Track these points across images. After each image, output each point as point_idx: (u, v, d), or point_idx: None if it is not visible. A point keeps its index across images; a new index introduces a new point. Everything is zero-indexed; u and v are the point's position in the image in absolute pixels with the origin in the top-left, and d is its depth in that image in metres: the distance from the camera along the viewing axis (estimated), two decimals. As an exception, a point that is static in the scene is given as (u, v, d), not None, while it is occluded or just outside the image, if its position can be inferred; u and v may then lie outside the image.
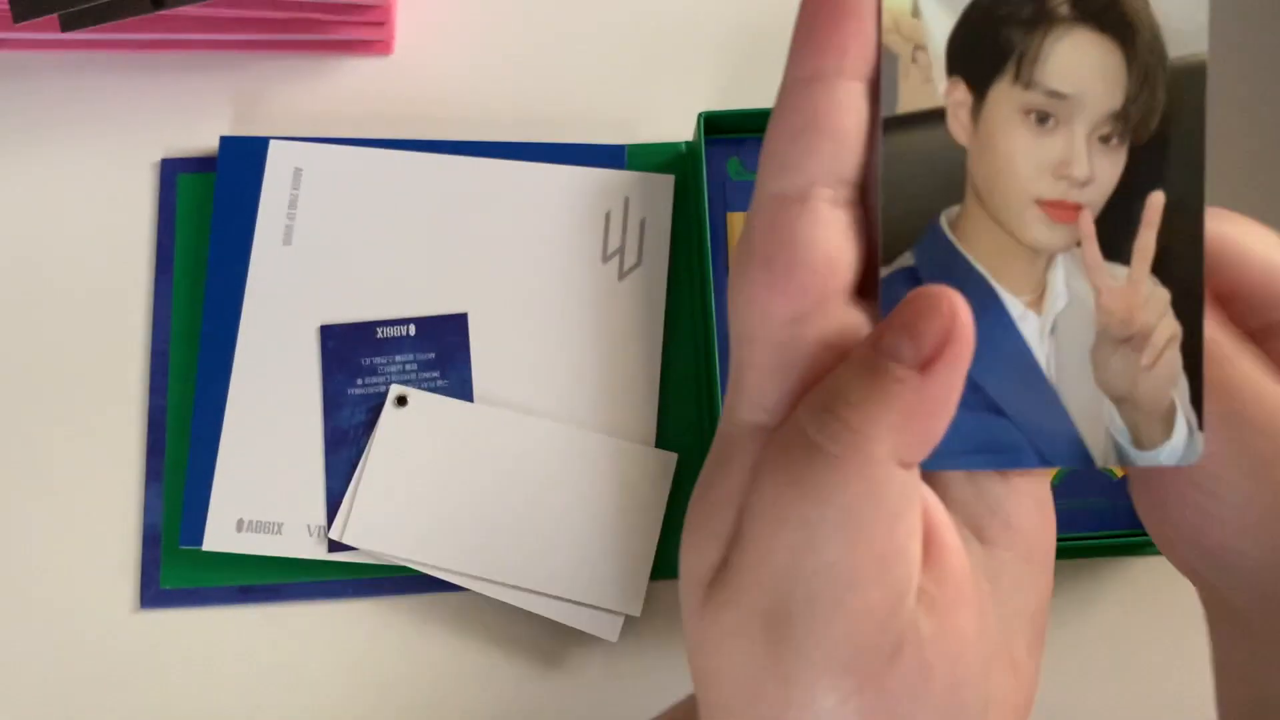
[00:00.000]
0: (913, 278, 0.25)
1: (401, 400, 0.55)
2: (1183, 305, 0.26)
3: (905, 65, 0.25)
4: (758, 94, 0.61)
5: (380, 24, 0.60)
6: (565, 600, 0.53)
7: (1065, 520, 0.53)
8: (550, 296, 0.57)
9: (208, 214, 0.58)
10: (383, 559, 0.54)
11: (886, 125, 0.25)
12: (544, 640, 0.54)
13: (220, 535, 0.54)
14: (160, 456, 0.55)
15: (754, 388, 0.25)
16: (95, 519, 0.55)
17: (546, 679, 0.54)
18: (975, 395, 0.26)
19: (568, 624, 0.53)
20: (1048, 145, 0.26)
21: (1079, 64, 0.26)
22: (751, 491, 0.24)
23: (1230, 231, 0.28)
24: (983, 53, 0.26)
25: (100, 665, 0.54)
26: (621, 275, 0.58)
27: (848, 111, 0.24)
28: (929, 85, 0.25)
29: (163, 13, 0.55)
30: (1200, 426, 0.26)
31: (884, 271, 0.25)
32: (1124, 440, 0.26)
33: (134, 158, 0.59)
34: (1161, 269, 0.26)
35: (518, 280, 0.57)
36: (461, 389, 0.56)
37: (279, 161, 0.58)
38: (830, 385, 0.24)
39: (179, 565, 0.54)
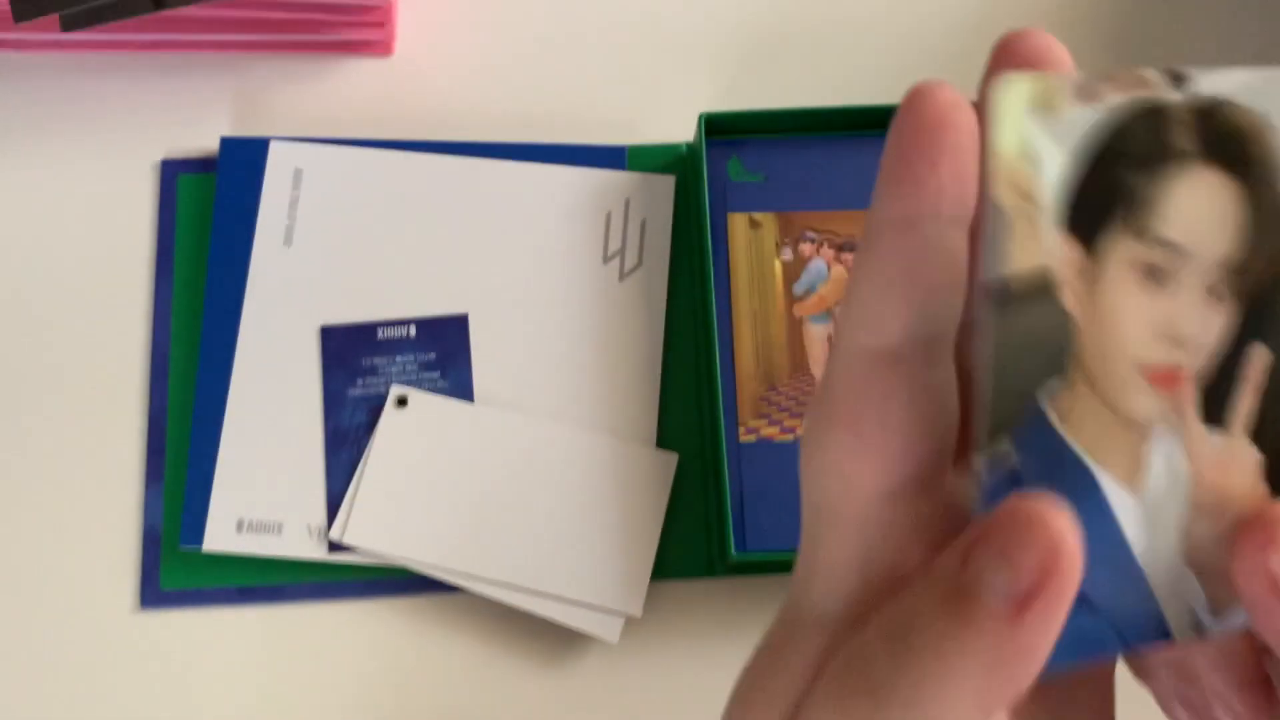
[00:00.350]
0: (1013, 477, 0.22)
1: (402, 401, 0.55)
2: (1273, 468, 0.23)
3: (1018, 224, 0.22)
4: (758, 95, 0.61)
5: (381, 25, 0.60)
6: (565, 601, 0.53)
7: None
8: (551, 297, 0.57)
9: (208, 215, 0.58)
10: (383, 559, 0.54)
11: (1000, 299, 0.22)
12: (544, 641, 0.54)
13: (220, 536, 0.54)
14: (160, 457, 0.55)
15: (829, 571, 0.22)
16: (95, 519, 0.55)
17: (546, 680, 0.54)
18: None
19: (568, 625, 0.53)
20: (1158, 304, 0.22)
21: (1195, 208, 0.22)
22: (812, 694, 0.21)
23: None
24: (1096, 199, 0.22)
25: (100, 666, 0.54)
26: (622, 276, 0.58)
27: (945, 264, 0.21)
28: (1035, 244, 0.22)
29: (163, 13, 0.55)
30: None
31: (981, 459, 0.22)
32: (1201, 610, 0.23)
33: (134, 158, 0.59)
34: (1257, 434, 0.23)
35: (518, 281, 0.57)
36: (462, 390, 0.56)
37: (279, 162, 0.58)
38: (908, 608, 0.20)
39: (179, 566, 0.54)
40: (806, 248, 0.57)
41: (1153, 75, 0.22)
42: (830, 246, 0.57)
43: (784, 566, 0.55)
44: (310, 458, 0.55)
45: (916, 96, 0.21)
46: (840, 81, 0.62)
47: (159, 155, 0.59)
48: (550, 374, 0.56)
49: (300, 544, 0.54)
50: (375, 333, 0.56)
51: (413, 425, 0.55)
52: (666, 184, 0.59)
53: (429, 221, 0.58)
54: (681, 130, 0.60)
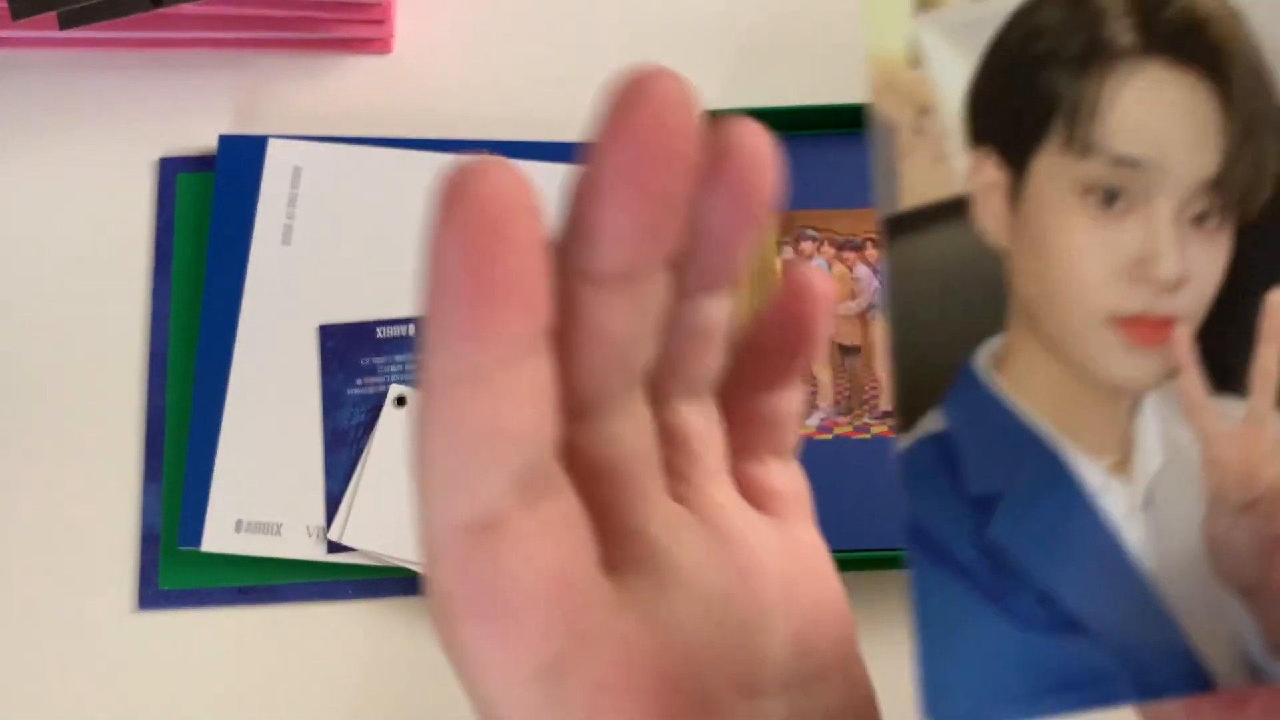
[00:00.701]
0: (946, 447, 0.18)
1: (401, 400, 0.55)
2: None
3: (907, 139, 0.18)
4: (758, 93, 0.61)
5: (380, 22, 0.60)
6: None
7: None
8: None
9: (207, 213, 0.58)
10: (382, 560, 0.53)
11: (890, 228, 0.18)
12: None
13: (219, 536, 0.54)
14: (159, 457, 0.55)
15: None
16: (93, 519, 0.55)
17: (547, 680, 0.54)
18: (1044, 609, 0.18)
19: None
20: (1120, 236, 0.18)
21: (1155, 115, 0.18)
22: None
23: None
24: (1018, 110, 0.18)
25: (98, 666, 0.53)
26: (622, 275, 0.58)
27: (531, 404, 0.16)
28: (942, 165, 0.18)
29: (161, 11, 0.55)
30: None
31: (903, 443, 0.18)
32: (1256, 647, 0.18)
33: (133, 157, 0.59)
34: None
35: (518, 280, 0.57)
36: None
37: (278, 160, 0.58)
38: None
39: (177, 566, 0.54)
40: (807, 246, 0.57)
41: None
42: (831, 245, 0.56)
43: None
44: (309, 458, 0.55)
45: (460, 184, 0.16)
46: (840, 80, 0.62)
47: (157, 153, 0.59)
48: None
49: (299, 544, 0.54)
50: (374, 332, 0.56)
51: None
52: (667, 182, 0.59)
53: (428, 220, 0.57)
54: (682, 128, 0.60)
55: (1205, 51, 0.18)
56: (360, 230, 0.57)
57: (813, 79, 0.62)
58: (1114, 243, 0.18)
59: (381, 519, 0.54)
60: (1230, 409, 0.18)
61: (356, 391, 0.55)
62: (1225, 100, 0.18)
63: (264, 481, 0.54)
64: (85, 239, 0.58)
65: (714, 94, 0.61)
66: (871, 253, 0.57)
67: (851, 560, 0.55)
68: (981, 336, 0.18)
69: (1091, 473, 0.18)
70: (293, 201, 0.57)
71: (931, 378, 0.18)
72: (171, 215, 0.58)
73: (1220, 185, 0.18)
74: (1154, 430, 0.18)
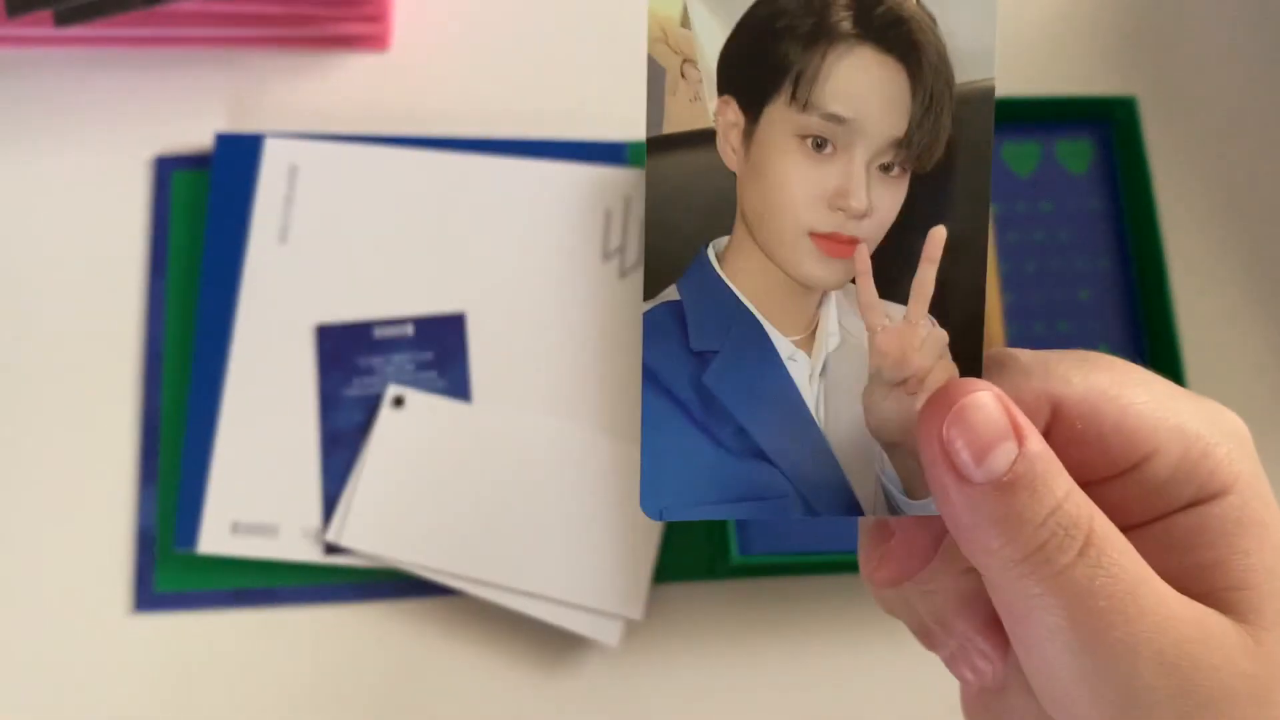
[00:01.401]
0: (677, 312, 0.24)
1: (399, 401, 0.55)
2: (963, 347, 0.24)
3: (673, 80, 0.24)
4: (760, 90, 0.61)
5: (377, 19, 0.59)
6: (565, 603, 0.53)
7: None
8: (550, 295, 0.57)
9: (202, 212, 0.57)
10: (379, 562, 0.53)
11: (651, 146, 0.24)
12: (543, 644, 0.54)
13: (215, 538, 0.53)
14: (154, 458, 0.55)
15: None
16: (89, 521, 0.54)
17: (545, 683, 0.54)
18: (739, 439, 0.24)
19: (567, 628, 0.53)
20: (824, 173, 0.24)
21: (860, 85, 0.24)
22: None
23: (1103, 382, 0.24)
24: (757, 70, 0.24)
25: (94, 669, 0.53)
26: (622, 274, 0.57)
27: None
28: (698, 104, 0.24)
29: (157, 8, 0.54)
30: None
31: (647, 305, 0.24)
32: (895, 489, 0.25)
33: (128, 155, 0.58)
34: (939, 309, 0.24)
35: (517, 279, 0.57)
36: (460, 389, 0.55)
37: (274, 159, 0.57)
38: None
39: (173, 568, 0.54)
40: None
41: None
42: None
43: (785, 569, 0.54)
44: (306, 459, 0.54)
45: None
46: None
47: (153, 152, 0.59)
48: (549, 373, 0.56)
49: (296, 546, 0.53)
50: (371, 331, 0.56)
51: (410, 426, 0.54)
52: (667, 181, 0.58)
53: (426, 219, 0.57)
54: (682, 126, 0.60)
55: (904, 43, 0.24)
56: (357, 229, 0.57)
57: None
58: (819, 178, 0.24)
59: (379, 521, 0.53)
60: (893, 311, 0.24)
61: (354, 392, 0.55)
62: (915, 81, 0.24)
63: (260, 483, 0.54)
64: (80, 237, 0.57)
65: (715, 91, 0.61)
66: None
67: (855, 561, 0.55)
68: (713, 234, 0.24)
69: (783, 345, 0.25)
70: (289, 200, 0.57)
71: (673, 259, 0.24)
72: (167, 214, 0.58)
73: (905, 144, 0.24)
74: (834, 319, 0.25)
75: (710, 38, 0.23)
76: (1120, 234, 0.57)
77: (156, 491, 0.54)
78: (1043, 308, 0.56)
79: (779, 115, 0.24)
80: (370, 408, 0.55)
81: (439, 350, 0.56)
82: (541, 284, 0.57)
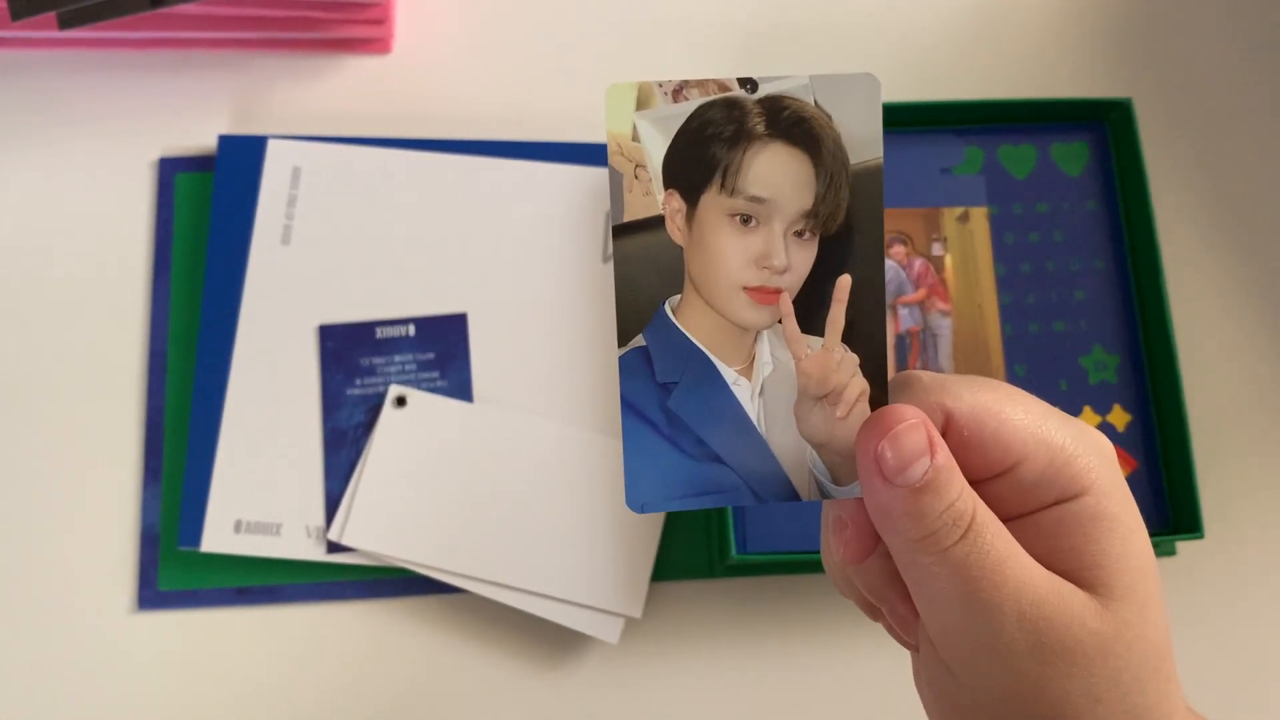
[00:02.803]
0: (645, 355, 0.31)
1: (401, 401, 0.55)
2: (871, 367, 0.31)
3: (629, 181, 0.30)
4: (759, 93, 0.61)
5: (379, 22, 0.59)
6: (565, 602, 0.53)
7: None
8: (551, 296, 0.57)
9: (206, 213, 0.58)
10: (381, 560, 0.53)
11: (616, 232, 0.30)
12: (544, 642, 0.54)
13: (218, 536, 0.54)
14: (158, 457, 0.55)
15: None
16: (93, 520, 0.55)
17: (546, 681, 0.54)
18: (699, 448, 0.31)
19: (568, 626, 0.53)
20: (750, 242, 0.31)
21: (774, 173, 0.30)
22: None
23: (986, 400, 0.31)
24: (693, 168, 0.30)
25: (97, 666, 0.53)
26: (622, 275, 0.58)
27: None
28: (650, 197, 0.30)
29: (161, 11, 0.54)
30: None
31: (621, 351, 0.31)
32: (824, 479, 0.31)
33: (132, 157, 0.59)
34: (851, 337, 0.31)
35: (517, 280, 0.57)
36: (461, 389, 0.56)
37: (277, 160, 0.58)
38: None
39: (177, 566, 0.54)
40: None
41: (730, 81, 0.30)
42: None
43: (783, 568, 0.55)
44: (309, 458, 0.55)
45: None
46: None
47: (156, 153, 0.59)
48: (550, 373, 0.56)
49: (298, 545, 0.54)
50: (374, 332, 0.56)
51: (412, 425, 0.55)
52: (666, 182, 0.59)
53: (428, 220, 0.57)
54: (682, 128, 0.60)
55: (806, 137, 0.30)
56: (360, 230, 0.57)
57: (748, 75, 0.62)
58: (746, 245, 0.31)
59: (381, 519, 0.53)
60: (813, 342, 0.31)
61: (356, 391, 0.55)
62: (817, 165, 0.30)
63: (263, 482, 0.54)
64: (85, 239, 0.58)
65: (714, 94, 0.61)
66: (898, 249, 0.57)
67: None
68: (668, 293, 0.31)
69: (728, 373, 0.32)
70: (292, 201, 0.57)
71: (638, 315, 0.31)
72: (171, 215, 0.58)
73: (812, 215, 0.31)
74: (767, 351, 0.31)
75: (655, 147, 0.30)
76: (1116, 235, 0.58)
77: (160, 490, 0.55)
78: (1039, 308, 0.57)
79: (712, 200, 0.31)
80: (373, 407, 0.55)
81: (441, 350, 0.56)
82: (542, 285, 0.57)
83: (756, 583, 0.55)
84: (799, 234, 0.31)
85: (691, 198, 0.31)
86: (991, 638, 0.29)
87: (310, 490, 0.54)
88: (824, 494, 0.32)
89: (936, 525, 0.29)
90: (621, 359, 0.31)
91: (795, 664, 0.55)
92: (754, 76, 0.30)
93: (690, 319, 0.32)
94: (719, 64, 0.62)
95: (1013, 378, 0.56)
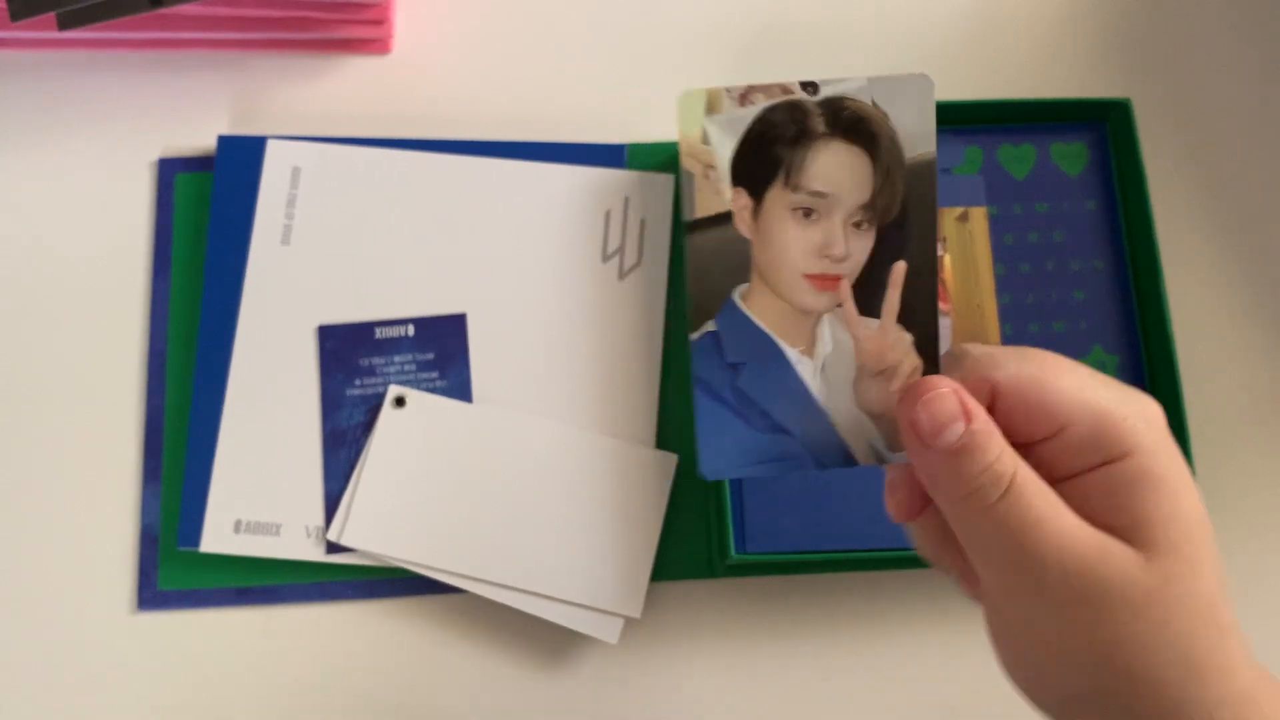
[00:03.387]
0: (715, 339, 0.35)
1: (400, 401, 0.55)
2: (923, 345, 0.34)
3: (699, 180, 0.33)
4: (758, 93, 0.61)
5: (379, 23, 0.60)
6: (565, 602, 0.53)
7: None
8: (550, 296, 0.57)
9: (205, 213, 0.58)
10: (381, 561, 0.53)
11: (688, 228, 0.34)
12: (543, 642, 0.54)
13: (218, 536, 0.54)
14: (158, 457, 0.55)
15: None
16: (92, 520, 0.55)
17: (546, 681, 0.54)
18: (765, 421, 0.35)
19: (567, 626, 0.53)
20: (812, 233, 0.34)
21: (835, 169, 0.33)
22: None
23: (1031, 370, 0.33)
24: (758, 167, 0.33)
25: (97, 666, 0.53)
26: (621, 275, 0.58)
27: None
28: (719, 195, 0.33)
29: (160, 11, 0.54)
30: None
31: (694, 335, 0.35)
32: (880, 446, 0.35)
33: (131, 157, 0.59)
34: (905, 319, 0.34)
35: (517, 280, 0.57)
36: (461, 389, 0.56)
37: (277, 161, 0.58)
38: None
39: (176, 566, 0.54)
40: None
41: (793, 84, 0.33)
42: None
43: (783, 568, 0.55)
44: (308, 458, 0.55)
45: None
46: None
47: (156, 154, 0.59)
48: (549, 373, 0.56)
49: (298, 545, 0.54)
50: (373, 332, 0.56)
51: (411, 425, 0.55)
52: (666, 182, 0.59)
53: (427, 220, 0.58)
54: (681, 128, 0.60)
55: (865, 134, 0.33)
56: (359, 230, 0.57)
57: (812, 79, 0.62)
58: (808, 237, 0.34)
59: (381, 520, 0.54)
60: (870, 324, 0.34)
61: (355, 392, 0.55)
62: (875, 161, 0.33)
63: (263, 482, 0.54)
64: (84, 239, 0.58)
65: (713, 94, 0.61)
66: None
67: (851, 560, 0.55)
68: (736, 283, 0.34)
69: (791, 354, 0.35)
70: (291, 202, 0.57)
71: (710, 303, 0.34)
72: (170, 216, 0.58)
73: (870, 207, 0.33)
74: (828, 333, 0.34)
75: (724, 148, 0.33)
76: (1115, 235, 0.58)
77: (160, 490, 0.55)
78: (1038, 308, 0.57)
79: (777, 196, 0.34)
80: (372, 408, 0.55)
81: (440, 350, 0.56)
82: (542, 285, 0.57)
83: (756, 583, 0.56)
84: (857, 225, 0.34)
85: (757, 194, 0.34)
86: (1038, 591, 0.31)
87: (310, 490, 0.54)
88: (880, 460, 0.35)
89: (977, 485, 0.32)
90: (695, 342, 0.34)
91: (795, 664, 0.55)
92: (815, 80, 0.33)
93: (757, 305, 0.35)
94: (719, 63, 0.62)
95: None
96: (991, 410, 0.33)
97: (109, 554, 0.54)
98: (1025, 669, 0.34)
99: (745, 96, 0.33)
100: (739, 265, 0.34)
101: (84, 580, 0.54)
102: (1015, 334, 0.56)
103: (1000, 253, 0.57)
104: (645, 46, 0.62)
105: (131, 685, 0.53)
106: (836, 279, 0.34)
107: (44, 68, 0.60)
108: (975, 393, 0.33)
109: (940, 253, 0.57)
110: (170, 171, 0.58)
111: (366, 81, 0.60)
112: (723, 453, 0.35)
